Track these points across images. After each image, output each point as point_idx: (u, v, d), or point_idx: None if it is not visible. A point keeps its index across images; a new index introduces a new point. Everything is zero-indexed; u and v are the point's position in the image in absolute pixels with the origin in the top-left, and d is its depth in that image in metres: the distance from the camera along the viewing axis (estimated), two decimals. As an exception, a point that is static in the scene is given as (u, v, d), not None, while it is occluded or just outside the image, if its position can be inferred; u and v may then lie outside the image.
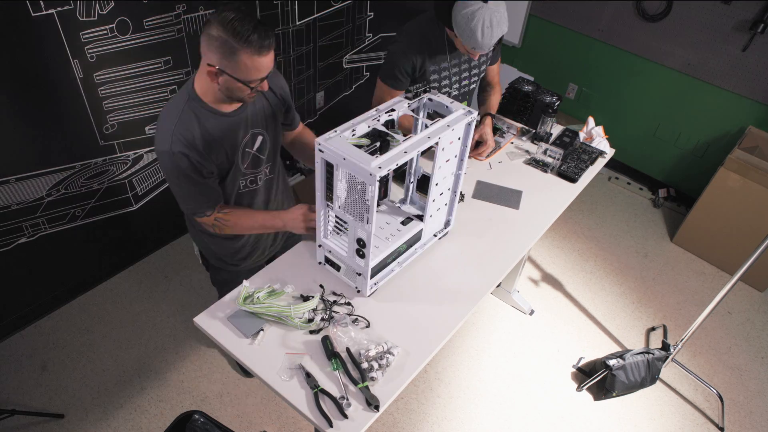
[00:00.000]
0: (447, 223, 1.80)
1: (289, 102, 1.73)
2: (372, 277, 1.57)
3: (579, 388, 2.52)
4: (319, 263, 1.67)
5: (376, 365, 1.41)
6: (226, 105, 1.51)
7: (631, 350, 2.54)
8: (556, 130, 2.39)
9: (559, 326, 2.80)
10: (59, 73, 2.12)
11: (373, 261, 1.52)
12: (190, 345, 2.55)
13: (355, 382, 1.38)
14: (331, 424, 1.31)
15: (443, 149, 1.50)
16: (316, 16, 3.06)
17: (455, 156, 1.58)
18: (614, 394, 2.47)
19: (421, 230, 1.70)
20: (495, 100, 2.29)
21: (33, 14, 1.95)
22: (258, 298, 1.52)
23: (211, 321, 1.50)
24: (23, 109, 2.09)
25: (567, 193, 2.09)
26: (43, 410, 2.25)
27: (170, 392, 2.37)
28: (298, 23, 2.97)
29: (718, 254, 3.20)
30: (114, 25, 2.18)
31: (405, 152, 1.37)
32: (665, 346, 2.54)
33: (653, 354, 2.50)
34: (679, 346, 2.48)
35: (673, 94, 3.36)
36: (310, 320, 1.50)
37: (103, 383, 2.39)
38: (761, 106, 3.07)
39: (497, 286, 2.74)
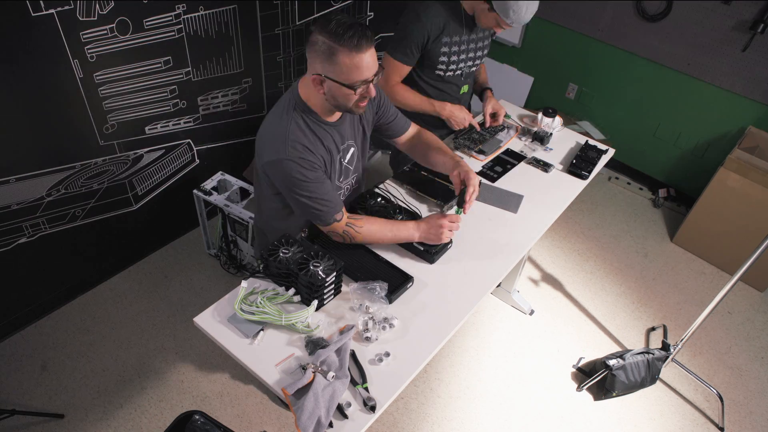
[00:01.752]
0: None
1: (389, 111, 1.77)
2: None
3: (579, 388, 2.52)
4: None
5: (371, 323, 1.49)
6: (329, 115, 1.54)
7: (631, 350, 2.54)
8: (566, 135, 2.38)
9: (559, 326, 2.80)
10: (59, 73, 2.12)
11: None
12: (190, 345, 2.55)
13: (354, 383, 1.39)
14: (331, 425, 1.31)
15: None
16: (316, 15, 3.06)
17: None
18: (614, 394, 2.47)
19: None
20: (485, 74, 2.41)
21: (33, 14, 1.94)
22: (259, 301, 1.51)
23: (211, 321, 1.50)
24: (23, 109, 2.09)
25: (567, 193, 2.09)
26: (43, 410, 2.25)
27: (170, 392, 2.37)
28: (298, 23, 2.97)
29: (718, 254, 3.20)
30: (114, 25, 2.18)
31: None
32: (665, 346, 2.54)
33: (653, 354, 2.50)
34: (679, 346, 2.48)
35: (673, 94, 3.36)
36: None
37: (103, 383, 2.39)
38: (761, 106, 3.07)
39: (497, 286, 2.74)
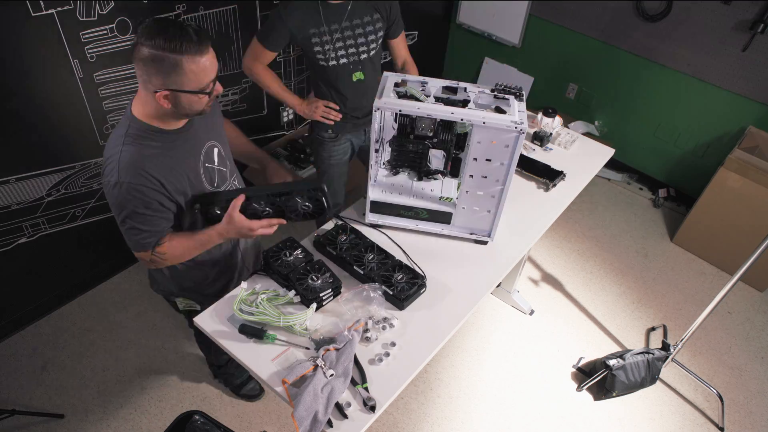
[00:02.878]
0: (488, 234, 1.80)
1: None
2: (379, 213, 1.80)
3: (579, 388, 2.52)
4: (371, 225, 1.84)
5: (371, 323, 1.50)
6: (172, 122, 1.40)
7: (631, 350, 2.54)
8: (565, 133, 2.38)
9: (559, 326, 2.80)
10: (59, 73, 2.12)
11: (377, 195, 1.77)
12: (190, 345, 2.55)
13: (354, 383, 1.39)
14: (331, 424, 1.31)
15: (478, 142, 1.57)
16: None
17: (501, 163, 1.60)
18: (614, 394, 2.47)
19: (450, 214, 1.76)
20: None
21: (33, 14, 1.95)
22: (259, 301, 1.51)
23: (211, 321, 1.50)
24: (23, 109, 2.09)
25: (567, 192, 2.09)
26: (43, 410, 2.25)
27: (170, 392, 2.37)
28: (298, 23, 2.97)
29: (718, 254, 3.20)
30: (114, 25, 2.18)
31: (418, 108, 1.56)
32: (665, 346, 2.54)
33: (653, 354, 2.50)
34: (679, 346, 2.48)
35: (673, 94, 3.36)
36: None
37: (103, 383, 2.39)
38: (761, 106, 3.07)
39: (497, 286, 2.74)
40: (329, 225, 1.81)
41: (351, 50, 2.11)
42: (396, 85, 1.66)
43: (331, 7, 2.01)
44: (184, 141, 1.44)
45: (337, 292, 1.59)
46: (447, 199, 1.79)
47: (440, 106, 1.58)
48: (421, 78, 1.71)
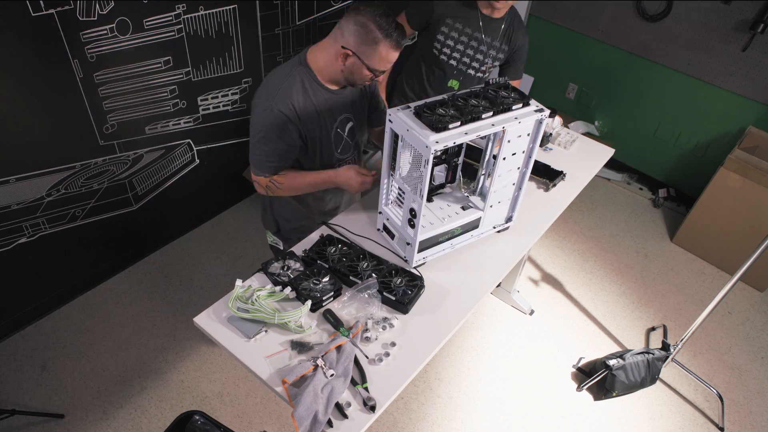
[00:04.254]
0: (509, 219, 1.83)
1: (377, 98, 1.83)
2: (422, 250, 1.65)
3: (579, 388, 2.52)
4: (378, 230, 1.76)
5: (371, 323, 1.50)
6: (331, 84, 1.63)
7: (631, 350, 2.54)
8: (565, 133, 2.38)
9: (559, 326, 2.80)
10: (59, 73, 2.12)
11: (423, 235, 1.61)
12: (190, 345, 2.55)
13: (354, 383, 1.39)
14: (331, 424, 1.31)
15: (509, 141, 1.54)
16: (316, 16, 3.06)
17: (522, 151, 1.61)
18: (614, 394, 2.47)
19: (479, 218, 1.73)
20: None
21: (33, 14, 1.95)
22: (257, 297, 1.51)
23: (211, 321, 1.50)
24: (23, 108, 2.09)
25: (567, 192, 2.09)
26: (43, 410, 2.25)
27: (170, 392, 2.37)
28: (298, 23, 2.97)
29: (718, 254, 3.20)
30: (114, 25, 2.18)
31: (465, 133, 1.44)
32: (665, 346, 2.54)
33: (653, 354, 2.50)
34: (679, 346, 2.48)
35: (673, 94, 3.36)
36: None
37: (103, 383, 2.39)
38: (761, 106, 3.07)
39: (497, 286, 2.74)
40: (315, 235, 1.76)
41: (465, 58, 2.19)
42: (418, 115, 1.47)
43: (481, 15, 2.11)
44: (331, 102, 1.66)
45: (337, 294, 1.59)
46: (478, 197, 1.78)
47: (489, 119, 1.49)
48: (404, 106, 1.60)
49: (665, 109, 3.44)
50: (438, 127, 1.41)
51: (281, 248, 2.01)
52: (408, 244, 1.63)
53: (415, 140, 1.41)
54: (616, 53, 3.47)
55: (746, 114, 3.15)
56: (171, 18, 2.36)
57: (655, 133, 3.54)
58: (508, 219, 1.83)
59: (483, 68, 2.24)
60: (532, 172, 2.12)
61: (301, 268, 1.64)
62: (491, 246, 1.81)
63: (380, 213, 1.71)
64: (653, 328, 2.83)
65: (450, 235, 1.70)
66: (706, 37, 3.07)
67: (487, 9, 2.12)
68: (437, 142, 1.38)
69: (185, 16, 2.41)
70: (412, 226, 1.58)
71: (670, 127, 3.47)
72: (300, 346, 1.44)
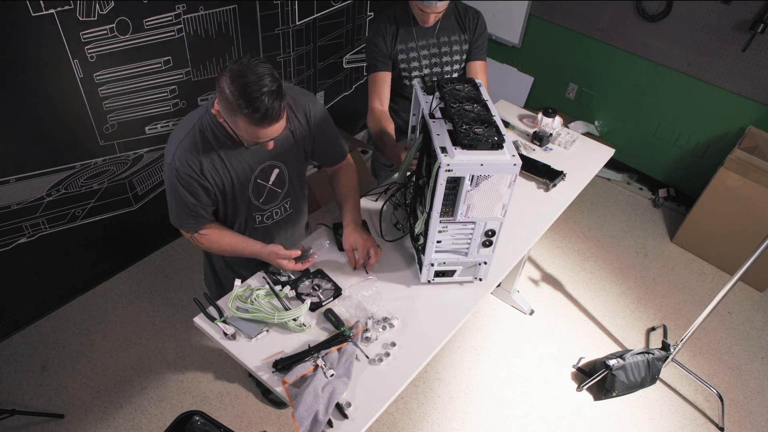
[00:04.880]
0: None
1: (325, 136, 1.65)
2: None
3: (579, 388, 2.52)
4: (428, 282, 1.66)
5: (371, 323, 1.49)
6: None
7: (631, 350, 2.54)
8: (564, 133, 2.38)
9: (559, 326, 2.80)
10: (59, 73, 2.12)
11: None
12: (190, 345, 2.55)
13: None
14: (331, 424, 1.31)
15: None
16: (316, 15, 3.06)
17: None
18: (614, 394, 2.47)
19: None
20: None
21: (33, 14, 1.94)
22: (256, 297, 1.51)
23: (211, 321, 1.50)
24: (23, 109, 2.09)
25: (567, 192, 2.09)
26: (43, 410, 2.25)
27: (170, 392, 2.37)
28: (298, 23, 2.97)
29: (718, 254, 3.20)
30: (114, 25, 2.18)
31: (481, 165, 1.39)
32: (665, 346, 2.54)
33: (653, 354, 2.50)
34: (679, 346, 2.47)
35: (673, 94, 3.36)
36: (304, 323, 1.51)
37: (103, 383, 2.39)
38: (761, 106, 3.07)
39: (497, 286, 2.74)
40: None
41: (435, 68, 2.11)
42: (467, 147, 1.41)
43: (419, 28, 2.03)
44: (244, 153, 1.49)
45: (337, 294, 1.59)
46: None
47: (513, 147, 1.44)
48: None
49: (665, 109, 3.44)
50: (498, 144, 1.39)
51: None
52: (484, 263, 1.61)
53: (494, 168, 1.37)
54: (616, 53, 3.47)
55: (746, 114, 3.15)
56: (171, 18, 2.36)
57: (655, 133, 3.54)
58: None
59: (456, 67, 2.15)
60: (533, 172, 2.13)
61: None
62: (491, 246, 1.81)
63: (432, 265, 1.60)
64: (653, 328, 2.82)
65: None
66: (706, 37, 3.07)
67: (421, 19, 1.97)
68: (514, 155, 1.38)
69: (185, 16, 2.41)
70: (488, 245, 1.56)
71: (670, 127, 3.47)
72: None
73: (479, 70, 2.16)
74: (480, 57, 2.15)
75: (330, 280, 1.63)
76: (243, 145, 1.42)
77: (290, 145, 1.58)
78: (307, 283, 1.61)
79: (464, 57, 2.14)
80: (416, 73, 2.09)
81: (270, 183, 1.59)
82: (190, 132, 1.42)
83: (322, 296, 1.58)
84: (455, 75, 2.17)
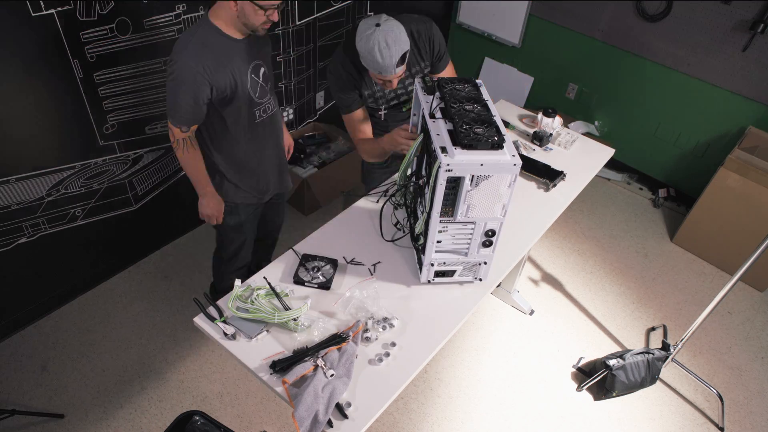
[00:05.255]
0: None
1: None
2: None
3: (579, 388, 2.52)
4: (428, 282, 1.66)
5: (371, 323, 1.51)
6: (237, 33, 1.73)
7: (631, 350, 2.54)
8: (564, 133, 2.38)
9: (559, 326, 2.80)
10: (59, 73, 2.12)
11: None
12: (190, 345, 2.55)
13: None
14: (331, 424, 1.31)
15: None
16: (316, 15, 3.06)
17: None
18: (614, 394, 2.47)
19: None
20: None
21: (33, 14, 1.94)
22: (256, 296, 1.51)
23: (211, 321, 1.50)
24: (23, 108, 2.09)
25: (567, 192, 2.09)
26: (43, 410, 2.25)
27: (170, 392, 2.37)
28: (298, 23, 2.97)
29: (718, 254, 3.20)
30: (114, 25, 2.18)
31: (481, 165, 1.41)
32: (665, 346, 2.54)
33: (653, 354, 2.50)
34: (679, 346, 2.48)
35: (673, 94, 3.36)
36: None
37: (103, 383, 2.39)
38: (761, 106, 3.07)
39: (497, 286, 2.74)
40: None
41: (403, 97, 2.06)
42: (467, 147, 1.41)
43: None
44: (239, 50, 1.76)
45: (335, 265, 1.67)
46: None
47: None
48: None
49: (665, 109, 3.44)
50: (498, 144, 1.39)
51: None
52: (484, 263, 1.62)
53: (494, 168, 1.37)
54: (616, 53, 3.47)
55: (746, 114, 3.15)
56: (171, 18, 2.36)
57: (655, 133, 3.55)
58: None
59: (412, 79, 2.06)
60: (533, 172, 2.13)
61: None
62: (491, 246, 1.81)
63: (432, 265, 1.61)
64: (653, 328, 2.83)
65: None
66: (706, 37, 3.07)
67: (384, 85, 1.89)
68: (514, 155, 1.39)
69: (185, 16, 2.41)
70: (488, 245, 1.57)
71: (670, 127, 3.47)
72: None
73: (448, 75, 2.13)
74: (443, 66, 2.08)
75: (320, 258, 1.69)
76: (236, 43, 1.73)
77: (266, 50, 1.91)
78: (303, 270, 1.63)
79: (426, 72, 2.06)
80: (384, 107, 2.05)
81: (260, 79, 1.85)
82: (193, 41, 1.66)
83: (325, 275, 1.63)
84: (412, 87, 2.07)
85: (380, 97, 2.02)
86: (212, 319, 1.49)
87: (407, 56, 1.77)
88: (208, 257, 2.99)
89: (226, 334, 1.46)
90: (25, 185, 2.23)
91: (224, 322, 1.48)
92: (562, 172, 2.12)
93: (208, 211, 2.04)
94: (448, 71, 2.12)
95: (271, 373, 1.39)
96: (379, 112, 2.06)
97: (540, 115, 2.35)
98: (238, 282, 1.55)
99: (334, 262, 1.69)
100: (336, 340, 1.45)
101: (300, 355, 1.42)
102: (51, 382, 2.38)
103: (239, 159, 1.99)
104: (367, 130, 2.04)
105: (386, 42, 1.68)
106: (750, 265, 2.07)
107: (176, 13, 2.37)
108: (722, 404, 2.47)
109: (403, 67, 1.78)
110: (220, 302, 1.55)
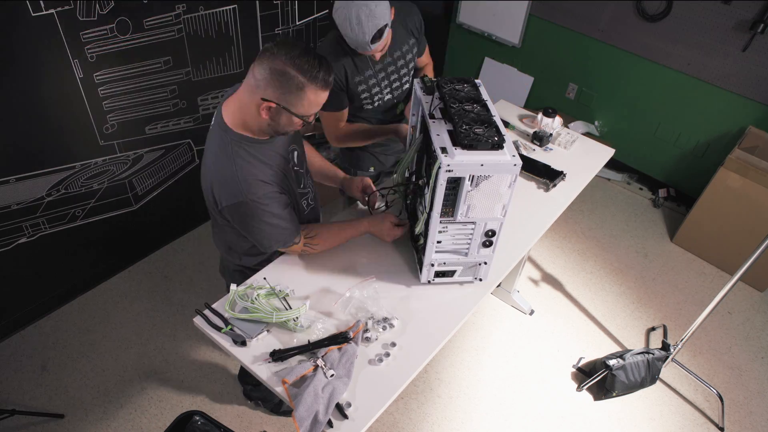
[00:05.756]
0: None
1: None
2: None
3: (579, 388, 2.52)
4: (428, 282, 1.66)
5: (371, 323, 1.50)
6: (260, 134, 1.44)
7: (631, 350, 2.54)
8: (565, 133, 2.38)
9: (559, 326, 2.80)
10: (59, 73, 2.12)
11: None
12: (190, 345, 2.55)
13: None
14: (331, 424, 1.31)
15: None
16: (316, 16, 3.06)
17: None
18: (614, 394, 2.47)
19: None
20: None
21: (33, 14, 1.95)
22: (256, 296, 1.51)
23: (217, 331, 1.50)
24: (23, 108, 2.09)
25: (567, 192, 2.09)
26: (43, 410, 2.26)
27: (170, 392, 2.37)
28: (298, 23, 2.97)
29: (718, 254, 3.20)
30: (114, 25, 2.18)
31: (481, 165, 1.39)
32: (665, 346, 2.54)
33: (653, 354, 2.51)
34: (679, 346, 2.48)
35: (673, 94, 3.36)
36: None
37: (103, 383, 2.39)
38: (761, 106, 3.07)
39: (497, 286, 2.74)
40: None
41: (395, 84, 2.00)
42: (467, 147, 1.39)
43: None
44: (275, 148, 1.50)
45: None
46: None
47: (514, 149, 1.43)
48: None
49: (665, 109, 3.44)
50: (498, 144, 1.38)
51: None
52: (484, 263, 1.62)
53: (495, 168, 1.36)
54: (616, 53, 3.47)
55: (746, 114, 3.15)
56: (171, 18, 2.36)
57: (655, 133, 3.54)
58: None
59: (410, 77, 2.05)
60: (533, 172, 2.13)
61: None
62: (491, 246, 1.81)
63: (432, 265, 1.60)
64: (653, 328, 2.83)
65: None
66: (706, 37, 3.07)
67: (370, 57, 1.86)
68: (514, 156, 1.38)
69: (185, 16, 2.41)
70: (488, 245, 1.57)
71: (670, 127, 3.47)
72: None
73: (426, 60, 2.12)
74: (424, 48, 2.06)
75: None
76: (269, 142, 1.46)
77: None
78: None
79: (414, 57, 2.04)
80: (378, 97, 1.98)
81: (297, 166, 1.62)
82: (236, 160, 1.39)
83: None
84: (408, 80, 2.06)
85: (375, 85, 1.94)
86: (219, 329, 1.47)
87: (386, 31, 1.68)
88: (208, 257, 2.99)
89: (235, 342, 1.45)
90: (25, 185, 2.23)
91: (231, 330, 1.47)
92: (562, 172, 2.12)
93: (388, 235, 1.72)
94: (427, 56, 2.11)
95: (269, 362, 1.40)
96: (377, 103, 1.99)
97: (540, 115, 2.35)
98: (233, 286, 1.55)
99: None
100: (336, 340, 1.45)
101: (302, 348, 1.42)
102: (51, 382, 2.38)
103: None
104: (344, 131, 2.03)
105: (358, 17, 1.61)
106: (750, 265, 2.07)
107: (176, 13, 2.37)
108: (722, 404, 2.47)
109: (381, 43, 1.70)
110: (217, 305, 1.55)
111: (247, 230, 1.49)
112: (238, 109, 1.39)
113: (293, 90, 1.30)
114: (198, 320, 1.51)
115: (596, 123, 3.77)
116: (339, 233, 1.69)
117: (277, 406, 2.30)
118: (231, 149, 1.40)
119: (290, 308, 1.50)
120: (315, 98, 1.34)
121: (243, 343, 1.45)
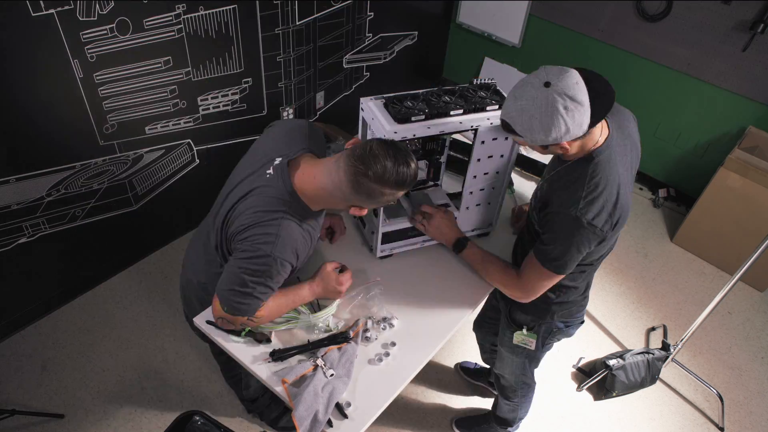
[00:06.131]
0: (490, 224, 1.83)
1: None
2: (388, 242, 1.70)
3: (579, 388, 2.52)
4: (354, 217, 1.78)
5: (371, 323, 1.51)
6: (318, 207, 1.41)
7: (631, 350, 2.54)
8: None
9: (559, 326, 2.79)
10: (59, 73, 2.12)
11: (390, 227, 1.67)
12: (190, 345, 2.55)
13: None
14: (330, 424, 1.31)
15: (483, 142, 1.54)
16: (316, 16, 3.06)
17: (501, 155, 1.61)
18: (614, 394, 2.47)
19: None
20: None
21: (33, 14, 1.94)
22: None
23: (237, 335, 1.49)
24: (23, 108, 2.09)
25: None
26: (43, 410, 2.25)
27: (170, 392, 2.37)
28: (298, 23, 2.97)
29: (718, 254, 3.20)
30: (114, 25, 2.18)
31: (428, 128, 1.46)
32: (665, 346, 2.54)
33: (653, 354, 2.51)
34: (679, 346, 2.48)
35: (673, 94, 3.36)
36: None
37: (103, 383, 2.39)
38: (761, 106, 3.07)
39: (497, 286, 2.74)
40: None
41: None
42: (386, 106, 1.51)
43: None
44: (319, 220, 1.48)
45: None
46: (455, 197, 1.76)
47: (458, 117, 1.49)
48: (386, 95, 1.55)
49: (665, 109, 3.44)
50: (399, 118, 1.45)
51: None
52: (372, 233, 1.70)
53: (378, 129, 1.46)
54: (616, 53, 3.46)
55: (746, 114, 3.15)
56: (171, 18, 2.36)
57: (655, 133, 3.54)
58: (489, 224, 1.82)
59: None
60: (533, 172, 2.13)
61: None
62: (491, 246, 1.81)
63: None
64: (653, 328, 2.82)
65: (419, 231, 1.71)
66: (706, 37, 3.07)
67: None
68: (396, 133, 1.42)
69: (185, 16, 2.41)
70: (376, 215, 1.64)
71: (670, 127, 3.47)
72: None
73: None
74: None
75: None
76: (319, 214, 1.44)
77: None
78: None
79: None
80: None
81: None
82: (284, 219, 1.33)
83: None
84: None
85: None
86: (237, 333, 1.45)
87: None
88: (208, 257, 2.98)
89: (259, 341, 1.45)
90: (25, 185, 2.23)
91: (250, 331, 1.45)
92: None
93: (339, 284, 1.53)
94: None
95: (269, 362, 1.40)
96: None
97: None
98: None
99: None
100: (336, 339, 1.45)
101: (302, 348, 1.42)
102: (51, 382, 2.38)
103: None
104: None
105: None
106: (750, 265, 2.07)
107: (176, 13, 2.37)
108: (722, 404, 2.47)
109: None
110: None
111: (230, 273, 1.35)
112: (315, 192, 1.35)
113: (375, 197, 1.30)
114: (198, 320, 1.51)
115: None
116: (282, 298, 1.47)
117: (275, 421, 2.27)
118: (287, 207, 1.34)
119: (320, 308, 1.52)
120: (392, 198, 1.33)
121: (268, 341, 1.46)
